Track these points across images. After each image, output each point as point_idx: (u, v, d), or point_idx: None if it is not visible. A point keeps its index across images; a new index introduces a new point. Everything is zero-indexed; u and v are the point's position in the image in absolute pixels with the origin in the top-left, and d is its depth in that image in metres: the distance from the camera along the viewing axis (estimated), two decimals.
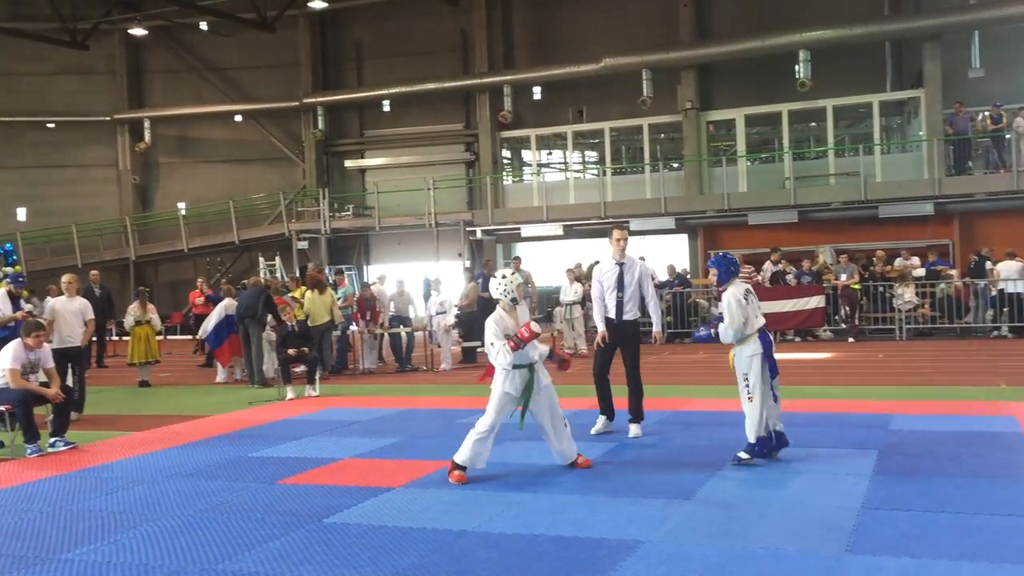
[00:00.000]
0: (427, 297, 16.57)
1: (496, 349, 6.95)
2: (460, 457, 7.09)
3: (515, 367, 7.01)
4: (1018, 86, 22.86)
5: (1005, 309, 17.50)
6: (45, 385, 9.17)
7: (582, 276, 17.84)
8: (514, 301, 7.12)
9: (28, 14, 29.44)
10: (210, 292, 19.34)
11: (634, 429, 8.62)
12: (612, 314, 8.65)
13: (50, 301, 12.20)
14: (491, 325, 6.99)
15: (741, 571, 4.82)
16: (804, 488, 6.49)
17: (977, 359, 14.69)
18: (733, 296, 7.32)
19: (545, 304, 21.41)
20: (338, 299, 15.85)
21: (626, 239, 8.75)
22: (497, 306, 7.17)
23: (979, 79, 22.65)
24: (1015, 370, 12.82)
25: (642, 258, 9.21)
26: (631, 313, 8.65)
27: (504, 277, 7.16)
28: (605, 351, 8.79)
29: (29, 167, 30.81)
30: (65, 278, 11.52)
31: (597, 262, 9.41)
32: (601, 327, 8.72)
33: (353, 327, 16.34)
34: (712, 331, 7.62)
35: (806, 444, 7.91)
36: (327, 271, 17.81)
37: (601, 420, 8.86)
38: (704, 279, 19.60)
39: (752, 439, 7.26)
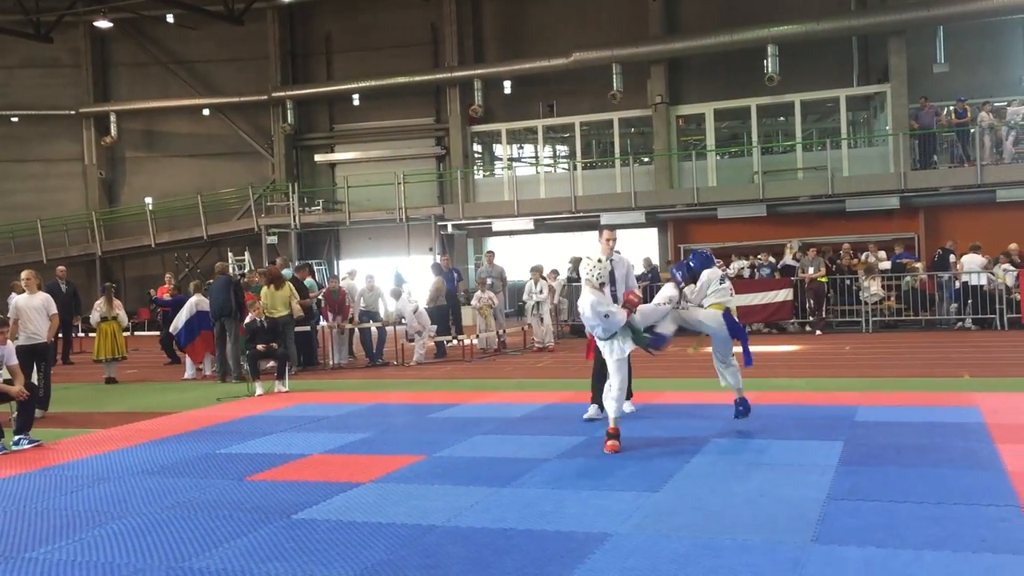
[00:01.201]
0: (397, 296, 16.51)
1: (619, 315, 7.62)
2: (614, 423, 7.67)
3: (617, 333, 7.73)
4: (982, 81, 23.19)
5: (969, 301, 17.75)
6: (8, 383, 9.04)
7: (546, 275, 18.05)
8: (602, 285, 7.84)
9: None
10: (176, 293, 18.79)
11: (627, 406, 8.87)
12: None
13: (13, 298, 12.03)
14: (595, 302, 7.61)
15: (709, 562, 4.86)
16: (770, 479, 6.55)
17: (941, 351, 14.90)
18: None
19: (516, 299, 21.44)
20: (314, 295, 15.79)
21: (615, 238, 9.17)
22: (585, 287, 7.76)
23: (944, 74, 22.96)
24: (978, 361, 13.02)
25: (617, 251, 9.55)
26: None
27: (600, 262, 7.78)
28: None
29: None
30: (24, 274, 11.34)
31: (579, 259, 9.74)
32: None
33: (323, 322, 16.25)
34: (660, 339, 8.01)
35: (773, 435, 8.00)
36: (290, 266, 17.61)
37: (593, 408, 9.19)
38: None
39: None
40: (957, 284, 18.08)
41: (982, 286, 17.66)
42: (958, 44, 23.09)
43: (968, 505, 5.70)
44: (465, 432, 8.78)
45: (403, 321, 16.06)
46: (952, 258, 18.50)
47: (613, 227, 9.42)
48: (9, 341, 9.36)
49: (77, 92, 30.63)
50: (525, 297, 17.70)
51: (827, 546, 5.02)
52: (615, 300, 8.96)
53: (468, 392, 11.65)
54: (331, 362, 15.89)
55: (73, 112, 30.45)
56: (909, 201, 22.02)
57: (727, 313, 8.14)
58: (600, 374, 9.22)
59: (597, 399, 9.19)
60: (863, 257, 19.60)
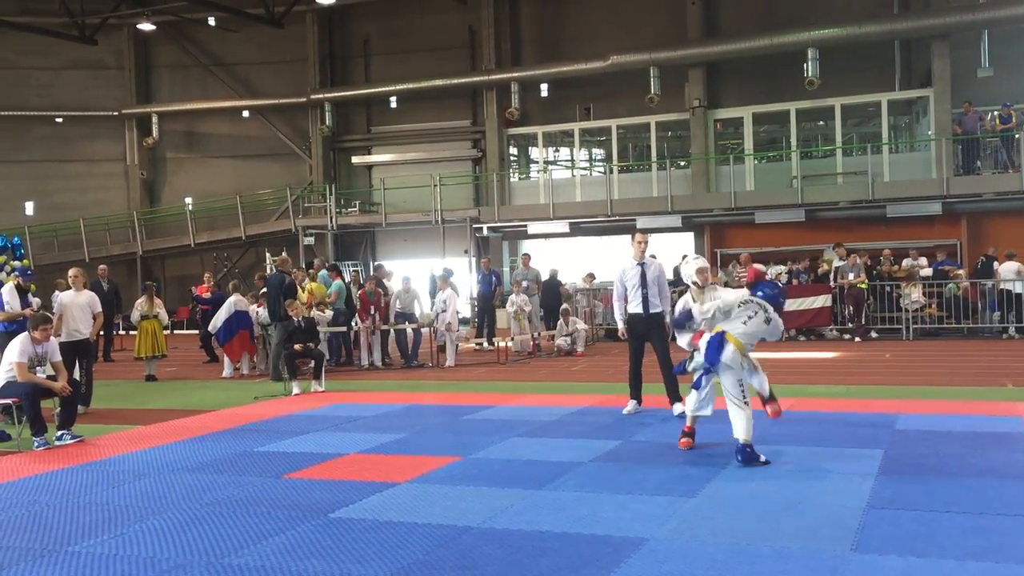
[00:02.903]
0: (433, 294, 16.55)
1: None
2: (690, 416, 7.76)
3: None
4: None
5: (1012, 310, 17.45)
6: (52, 379, 9.20)
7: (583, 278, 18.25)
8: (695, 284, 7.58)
9: (37, 8, 29.53)
10: (215, 291, 19.02)
11: (678, 407, 9.14)
12: (640, 309, 9.64)
13: (58, 295, 12.23)
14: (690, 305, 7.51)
15: (745, 569, 4.81)
16: (809, 487, 6.48)
17: (983, 359, 14.65)
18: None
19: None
20: (329, 295, 15.82)
21: (647, 242, 9.83)
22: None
23: (988, 78, 22.60)
24: (1021, 371, 12.78)
25: (653, 256, 9.90)
26: (656, 306, 9.67)
27: (694, 260, 7.79)
28: (636, 344, 9.79)
29: (37, 161, 30.91)
30: (71, 272, 11.55)
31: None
32: (621, 324, 9.81)
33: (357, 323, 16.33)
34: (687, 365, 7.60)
35: (812, 443, 7.91)
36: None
37: (632, 403, 9.76)
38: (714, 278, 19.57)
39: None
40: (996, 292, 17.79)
41: (1020, 294, 17.38)
42: (1003, 48, 22.72)
43: (1011, 516, 5.60)
44: (500, 434, 8.79)
45: (444, 311, 15.88)
46: (995, 265, 18.22)
47: (645, 231, 9.98)
48: (53, 338, 9.52)
49: (120, 93, 31.12)
50: (509, 307, 17.87)
51: (867, 555, 4.96)
52: (645, 301, 9.57)
53: (503, 394, 11.66)
54: (364, 362, 15.98)
55: (116, 113, 30.93)
56: (951, 207, 21.69)
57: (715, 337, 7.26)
58: (637, 371, 9.81)
59: (636, 395, 9.78)
60: (904, 264, 19.34)
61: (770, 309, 7.27)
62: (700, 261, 7.63)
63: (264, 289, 15.28)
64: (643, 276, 9.63)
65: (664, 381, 9.50)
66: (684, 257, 8.05)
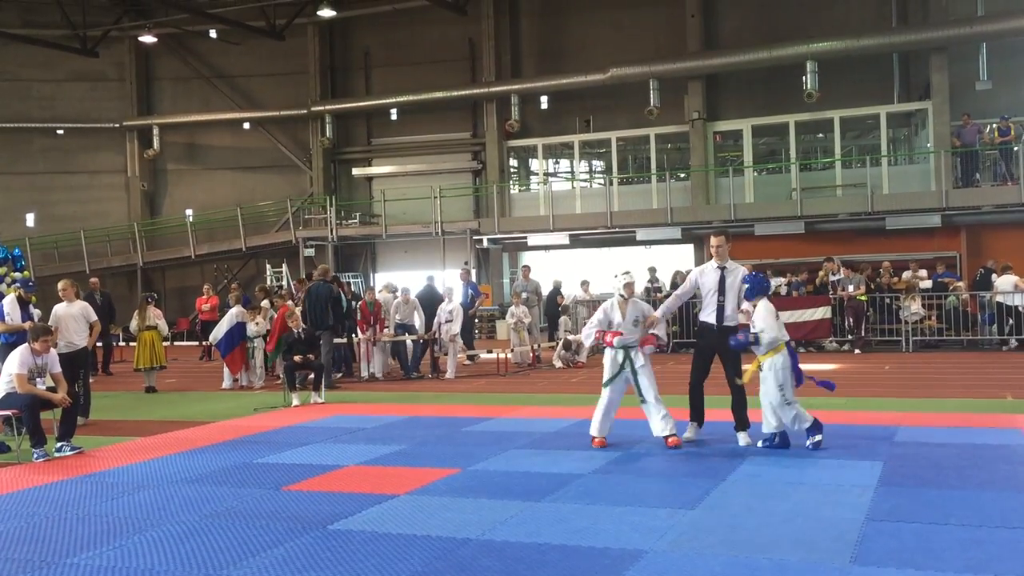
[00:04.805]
0: (434, 304, 16.56)
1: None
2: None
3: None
4: None
5: (1011, 322, 17.46)
6: (52, 390, 9.20)
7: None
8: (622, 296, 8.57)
9: (39, 21, 29.63)
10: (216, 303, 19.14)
11: (743, 437, 8.44)
12: (712, 319, 8.58)
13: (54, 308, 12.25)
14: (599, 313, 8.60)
15: None
16: (809, 499, 6.48)
17: (983, 371, 14.65)
18: (766, 307, 8.10)
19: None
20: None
21: (724, 244, 8.68)
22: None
23: (987, 91, 22.66)
24: (1021, 383, 12.77)
25: (737, 262, 8.88)
26: (731, 319, 8.53)
27: (615, 277, 8.65)
28: (703, 358, 8.73)
29: (38, 173, 30.99)
30: (61, 284, 11.59)
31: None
32: (664, 317, 8.95)
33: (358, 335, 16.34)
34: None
35: (811, 454, 7.92)
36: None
37: (692, 426, 8.73)
38: None
39: (806, 425, 8.07)
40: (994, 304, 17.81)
41: (1017, 307, 17.41)
42: (1001, 61, 22.79)
43: (1010, 528, 5.60)
44: (499, 446, 8.79)
45: (448, 321, 15.91)
46: (994, 277, 18.24)
47: (720, 232, 8.84)
48: (53, 349, 9.52)
49: (121, 105, 31.20)
50: (509, 319, 17.83)
51: (866, 567, 4.95)
52: (720, 311, 8.52)
53: (502, 406, 11.65)
54: (364, 374, 15.98)
55: (117, 125, 31.01)
56: (951, 219, 21.73)
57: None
58: (699, 389, 8.72)
59: (696, 416, 8.76)
60: (905, 276, 19.35)
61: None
62: (629, 277, 8.63)
63: (302, 297, 15.33)
64: (721, 281, 8.53)
65: (732, 404, 8.50)
66: (616, 275, 8.67)
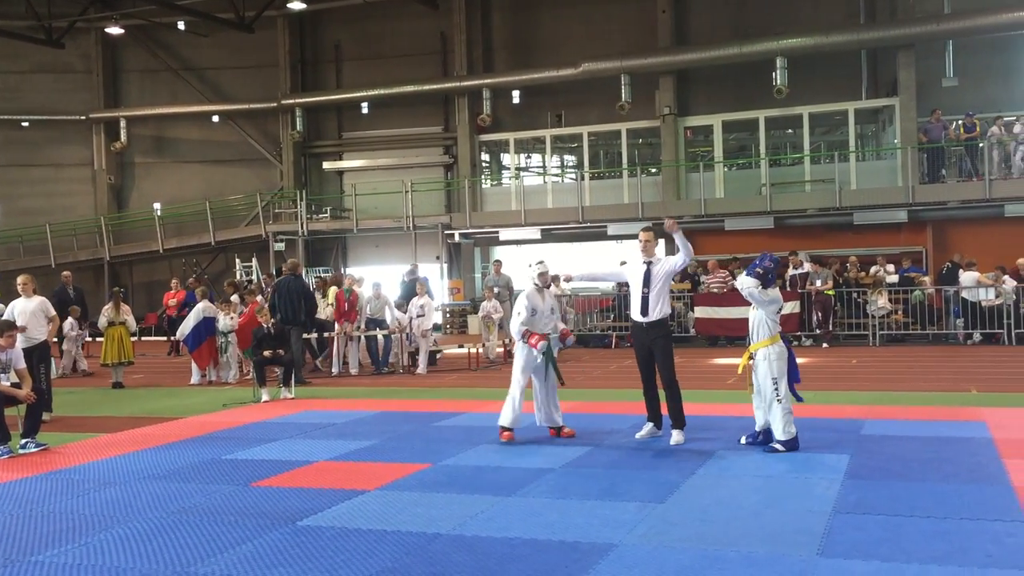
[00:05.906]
0: (407, 299, 16.52)
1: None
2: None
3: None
4: (991, 95, 23.13)
5: (976, 316, 17.71)
6: (16, 386, 9.07)
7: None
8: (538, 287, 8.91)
9: (3, 11, 29.07)
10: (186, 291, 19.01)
11: (676, 435, 8.37)
12: (639, 315, 8.50)
13: (12, 303, 12.10)
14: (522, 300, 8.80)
15: (714, 574, 4.85)
16: (776, 492, 6.54)
17: (949, 365, 14.85)
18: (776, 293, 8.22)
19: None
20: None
21: (651, 240, 8.83)
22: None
23: (953, 88, 22.91)
24: (985, 376, 12.98)
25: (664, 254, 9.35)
26: (657, 312, 8.44)
27: (529, 267, 9.00)
28: (641, 357, 8.63)
29: (2, 166, 30.45)
30: (20, 279, 11.52)
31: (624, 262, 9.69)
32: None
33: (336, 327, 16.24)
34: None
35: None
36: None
37: (648, 427, 8.68)
38: (681, 284, 19.66)
39: (783, 437, 7.81)
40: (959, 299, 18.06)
41: (980, 302, 17.68)
42: (967, 58, 23.06)
43: (974, 520, 5.68)
44: (470, 441, 8.79)
45: (420, 315, 15.86)
46: (961, 272, 18.48)
47: (649, 228, 9.09)
48: (17, 344, 9.39)
49: (88, 97, 30.75)
50: (482, 313, 17.73)
51: (832, 559, 5.01)
52: (644, 303, 8.46)
53: (473, 401, 11.66)
54: (333, 369, 15.90)
55: (83, 117, 30.56)
56: (917, 215, 21.97)
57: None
58: (649, 388, 8.60)
59: (653, 416, 8.66)
60: (872, 270, 19.56)
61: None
62: (543, 267, 9.00)
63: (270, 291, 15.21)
64: (647, 275, 8.46)
65: (668, 403, 8.43)
66: (530, 265, 9.08)
